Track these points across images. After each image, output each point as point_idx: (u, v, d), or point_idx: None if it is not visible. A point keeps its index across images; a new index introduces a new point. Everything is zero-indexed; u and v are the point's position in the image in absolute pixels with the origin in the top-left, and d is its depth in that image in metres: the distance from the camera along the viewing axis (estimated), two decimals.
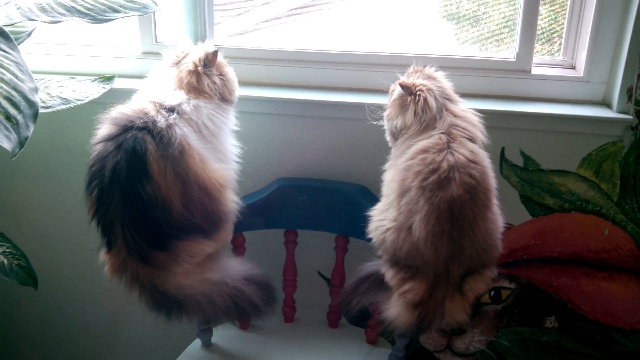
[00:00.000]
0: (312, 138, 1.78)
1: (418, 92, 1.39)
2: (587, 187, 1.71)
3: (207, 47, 1.52)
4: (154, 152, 1.30)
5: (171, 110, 1.38)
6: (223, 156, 1.48)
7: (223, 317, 1.52)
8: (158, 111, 1.36)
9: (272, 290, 1.56)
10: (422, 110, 1.38)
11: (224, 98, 1.52)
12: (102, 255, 1.39)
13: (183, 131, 1.36)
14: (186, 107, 1.40)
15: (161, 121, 1.34)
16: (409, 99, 1.40)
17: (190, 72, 1.46)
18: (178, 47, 1.55)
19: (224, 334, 1.70)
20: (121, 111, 1.37)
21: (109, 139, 1.33)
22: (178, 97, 1.42)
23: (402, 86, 1.41)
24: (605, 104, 1.71)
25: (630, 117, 1.63)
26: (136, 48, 1.90)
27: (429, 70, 1.47)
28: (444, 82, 1.45)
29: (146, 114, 1.35)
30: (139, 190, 1.29)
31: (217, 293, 1.44)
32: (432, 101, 1.38)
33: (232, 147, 1.53)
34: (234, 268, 1.51)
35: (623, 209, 1.71)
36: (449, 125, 1.36)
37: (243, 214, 1.51)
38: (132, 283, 1.38)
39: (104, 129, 1.36)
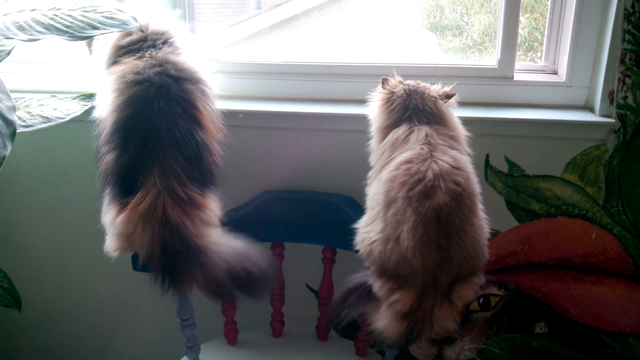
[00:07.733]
0: (297, 150, 1.77)
1: (391, 85, 1.45)
2: (573, 192, 1.71)
3: None
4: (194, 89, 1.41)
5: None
6: None
7: (233, 284, 1.40)
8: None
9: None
10: (388, 100, 1.43)
11: None
12: (110, 214, 1.36)
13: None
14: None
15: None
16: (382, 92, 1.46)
17: None
18: None
19: (211, 350, 1.68)
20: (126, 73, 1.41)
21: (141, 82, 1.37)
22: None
23: (383, 80, 1.46)
24: (588, 108, 1.72)
25: (613, 120, 1.64)
26: None
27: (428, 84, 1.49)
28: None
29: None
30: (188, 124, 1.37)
31: (232, 258, 1.39)
32: (400, 91, 1.43)
33: None
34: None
35: (609, 212, 1.72)
36: (425, 136, 1.36)
37: (228, 228, 1.49)
38: (159, 228, 1.32)
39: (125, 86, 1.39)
